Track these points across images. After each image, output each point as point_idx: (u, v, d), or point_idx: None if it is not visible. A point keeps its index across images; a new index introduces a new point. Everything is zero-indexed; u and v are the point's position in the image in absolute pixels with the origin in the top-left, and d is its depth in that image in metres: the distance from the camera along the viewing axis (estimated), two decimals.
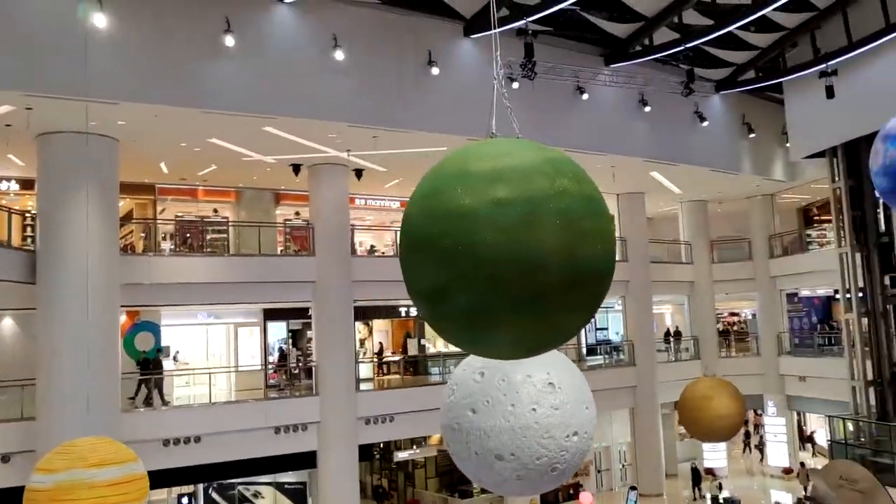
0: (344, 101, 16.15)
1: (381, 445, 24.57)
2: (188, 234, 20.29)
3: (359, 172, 20.43)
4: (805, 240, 28.74)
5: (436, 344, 25.96)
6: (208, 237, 20.93)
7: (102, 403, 15.42)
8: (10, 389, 16.37)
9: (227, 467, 18.47)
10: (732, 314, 38.02)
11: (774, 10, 18.04)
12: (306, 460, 19.23)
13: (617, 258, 23.49)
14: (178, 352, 22.51)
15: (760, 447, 29.86)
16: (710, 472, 26.65)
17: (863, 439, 20.81)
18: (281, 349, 22.80)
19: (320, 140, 17.37)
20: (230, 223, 21.40)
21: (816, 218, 32.05)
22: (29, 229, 18.73)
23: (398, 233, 4.89)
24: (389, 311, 25.01)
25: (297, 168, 19.59)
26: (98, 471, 9.74)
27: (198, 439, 17.37)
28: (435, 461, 26.00)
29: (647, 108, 20.75)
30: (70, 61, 13.22)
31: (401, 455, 23.59)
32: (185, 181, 21.37)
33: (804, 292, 28.93)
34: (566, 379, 6.07)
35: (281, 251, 21.21)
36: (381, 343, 25.26)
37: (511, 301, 4.19)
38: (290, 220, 23.07)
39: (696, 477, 24.90)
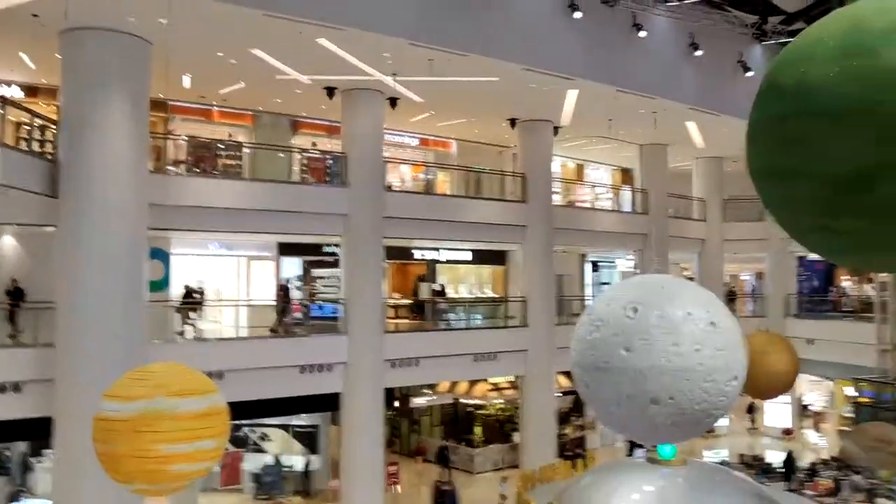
0: (407, 15, 14.86)
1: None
2: (202, 158, 18.84)
3: (393, 101, 19.13)
4: None
5: (458, 289, 25.15)
6: (221, 162, 19.50)
7: (128, 332, 14.20)
8: (24, 313, 14.96)
9: (249, 406, 17.40)
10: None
11: None
12: (329, 402, 18.31)
13: (638, 210, 23.03)
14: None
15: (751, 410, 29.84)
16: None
17: (888, 402, 20.69)
18: (284, 286, 21.52)
19: (370, 60, 16.06)
20: (259, 146, 19.75)
21: None
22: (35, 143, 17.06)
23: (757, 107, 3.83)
24: (402, 253, 24.02)
25: (331, 92, 18.22)
26: (181, 400, 8.60)
27: (220, 375, 16.22)
28: (440, 409, 25.38)
29: (698, 53, 19.87)
30: None
31: (417, 401, 22.84)
32: (202, 99, 19.80)
33: (814, 256, 28.75)
34: (725, 319, 5.30)
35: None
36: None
37: None
38: (307, 149, 21.67)
39: None
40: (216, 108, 20.75)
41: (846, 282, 31.22)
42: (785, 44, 18.66)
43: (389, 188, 20.39)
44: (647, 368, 5.00)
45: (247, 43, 15.07)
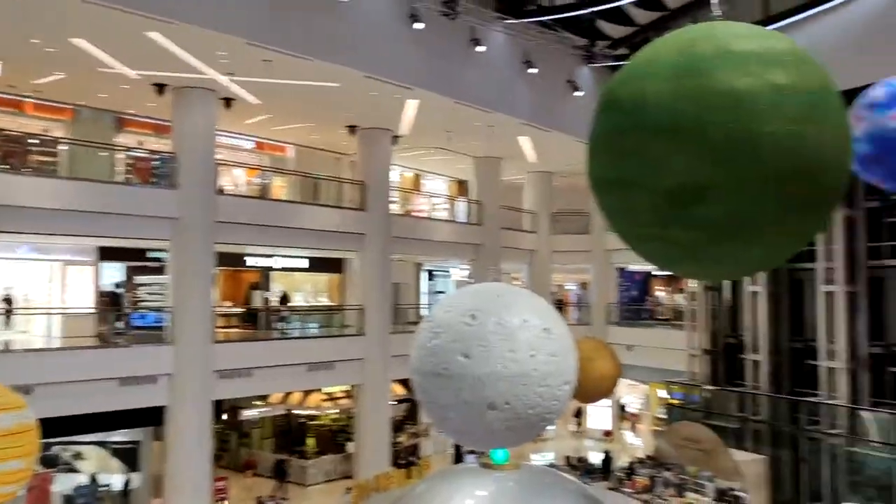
0: (245, 14, 14.36)
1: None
2: (11, 153, 17.26)
3: (228, 102, 18.46)
4: None
5: (293, 297, 24.58)
6: (33, 158, 17.94)
7: None
8: None
9: (62, 423, 16.06)
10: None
11: None
12: (153, 416, 17.27)
13: (473, 221, 23.54)
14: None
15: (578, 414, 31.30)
16: None
17: (696, 403, 22.36)
18: (112, 293, 20.25)
19: (204, 58, 15.38)
20: (78, 143, 18.29)
21: None
22: None
23: (597, 120, 3.99)
24: (234, 260, 23.18)
25: (160, 88, 17.29)
26: None
27: (29, 390, 14.87)
28: (273, 421, 24.65)
29: (532, 71, 20.66)
30: None
31: (248, 413, 22.04)
32: (13, 89, 18.14)
33: (633, 267, 30.71)
34: (558, 325, 5.66)
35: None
36: None
37: (786, 207, 3.57)
38: (132, 148, 20.42)
39: None
40: (30, 100, 19.10)
41: (661, 292, 33.60)
42: (612, 67, 19.88)
43: (222, 191, 19.62)
44: (486, 374, 5.11)
45: (66, 30, 13.98)
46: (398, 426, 24.69)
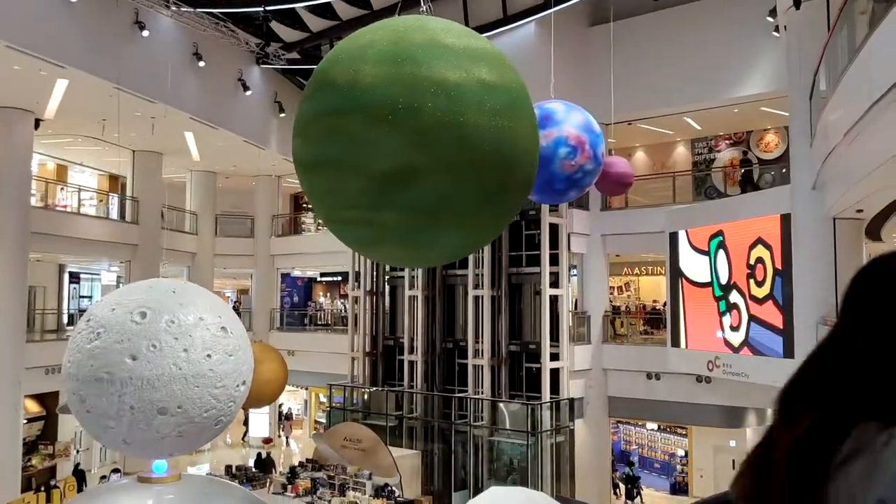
0: None
1: None
2: None
3: None
4: (300, 223, 30.78)
5: None
6: None
7: None
8: None
9: None
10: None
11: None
12: None
13: (128, 219, 22.06)
14: None
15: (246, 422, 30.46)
16: None
17: (356, 405, 23.05)
18: None
19: None
20: None
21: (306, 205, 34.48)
22: None
23: (309, 101, 3.92)
24: None
25: None
26: None
27: None
28: None
29: (202, 64, 19.74)
30: None
31: None
32: None
33: (296, 273, 30.82)
34: (234, 323, 5.75)
35: None
36: None
37: (485, 194, 3.83)
38: None
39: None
40: None
41: (323, 297, 34.22)
42: (282, 70, 19.77)
43: None
44: (156, 377, 4.76)
45: None
46: (31, 448, 21.82)
